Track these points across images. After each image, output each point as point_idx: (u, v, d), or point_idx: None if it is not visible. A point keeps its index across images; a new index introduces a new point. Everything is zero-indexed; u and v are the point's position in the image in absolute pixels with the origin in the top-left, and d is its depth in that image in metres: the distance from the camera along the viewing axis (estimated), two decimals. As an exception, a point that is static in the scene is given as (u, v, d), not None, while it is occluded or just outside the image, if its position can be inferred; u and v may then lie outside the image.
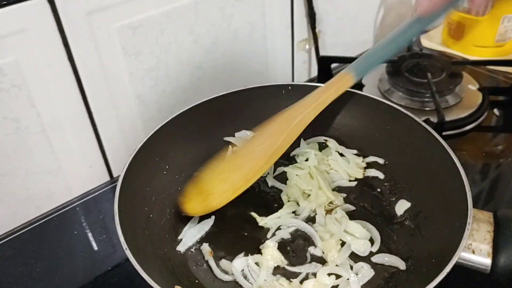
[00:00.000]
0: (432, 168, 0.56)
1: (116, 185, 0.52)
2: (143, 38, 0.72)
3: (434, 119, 0.74)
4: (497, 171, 0.73)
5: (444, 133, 0.72)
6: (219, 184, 0.56)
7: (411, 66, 0.84)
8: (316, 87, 0.68)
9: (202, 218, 0.58)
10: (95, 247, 0.66)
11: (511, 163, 0.74)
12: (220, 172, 0.58)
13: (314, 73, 1.01)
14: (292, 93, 0.67)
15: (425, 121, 0.62)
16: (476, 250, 0.46)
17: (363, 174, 0.63)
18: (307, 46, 0.98)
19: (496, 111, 0.82)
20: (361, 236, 0.53)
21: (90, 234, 0.68)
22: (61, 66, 0.66)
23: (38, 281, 0.60)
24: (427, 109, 0.80)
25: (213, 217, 0.58)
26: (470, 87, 0.84)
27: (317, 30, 0.96)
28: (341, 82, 0.60)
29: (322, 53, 0.97)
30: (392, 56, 0.63)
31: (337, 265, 0.51)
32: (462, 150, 0.76)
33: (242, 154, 0.59)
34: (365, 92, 0.68)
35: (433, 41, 1.04)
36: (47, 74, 0.65)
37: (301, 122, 0.57)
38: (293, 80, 0.99)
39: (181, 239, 0.55)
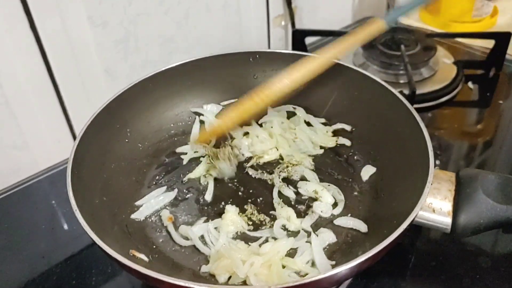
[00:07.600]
0: (397, 131, 0.55)
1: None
2: (110, 7, 0.70)
3: (407, 91, 0.73)
4: (465, 139, 0.73)
5: (417, 106, 0.71)
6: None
7: (385, 39, 0.83)
8: (287, 54, 0.67)
9: (164, 190, 0.57)
10: (63, 223, 0.63)
11: (480, 131, 0.74)
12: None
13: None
14: (260, 61, 0.66)
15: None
16: (436, 209, 0.45)
17: (336, 142, 0.62)
18: (283, 23, 0.97)
19: (470, 84, 0.82)
20: (324, 199, 0.52)
21: (57, 209, 0.66)
22: (23, 35, 0.64)
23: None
24: (401, 81, 0.79)
25: (176, 190, 0.57)
26: (445, 60, 0.84)
27: (293, 5, 0.94)
28: (372, 26, 0.55)
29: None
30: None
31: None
32: (435, 122, 0.75)
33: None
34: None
35: (411, 17, 1.03)
36: (8, 42, 0.63)
37: (329, 58, 0.54)
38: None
39: (139, 207, 0.54)
